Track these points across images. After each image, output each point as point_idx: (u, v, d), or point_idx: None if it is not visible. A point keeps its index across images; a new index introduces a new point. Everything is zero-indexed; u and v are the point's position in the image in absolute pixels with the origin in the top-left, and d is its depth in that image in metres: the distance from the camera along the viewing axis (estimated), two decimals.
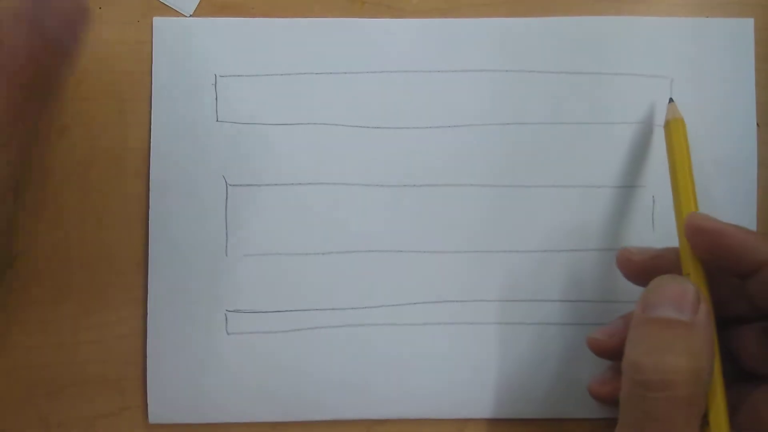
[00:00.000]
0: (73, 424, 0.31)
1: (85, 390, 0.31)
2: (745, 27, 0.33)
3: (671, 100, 0.31)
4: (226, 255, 0.31)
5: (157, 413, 0.31)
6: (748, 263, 0.25)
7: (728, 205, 0.32)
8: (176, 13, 0.32)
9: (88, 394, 0.31)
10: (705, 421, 0.25)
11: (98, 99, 0.31)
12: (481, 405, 0.31)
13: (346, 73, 0.32)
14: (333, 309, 0.31)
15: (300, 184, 0.32)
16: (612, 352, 0.29)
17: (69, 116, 0.31)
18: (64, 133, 0.31)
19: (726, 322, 0.28)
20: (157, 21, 0.32)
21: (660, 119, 0.32)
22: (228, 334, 0.31)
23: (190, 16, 0.32)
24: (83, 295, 0.31)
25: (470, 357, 0.31)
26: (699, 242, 0.26)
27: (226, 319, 0.31)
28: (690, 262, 0.27)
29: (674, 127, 0.29)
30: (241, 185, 0.31)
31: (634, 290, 0.28)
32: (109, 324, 0.31)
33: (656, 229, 0.32)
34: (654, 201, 0.32)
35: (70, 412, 0.31)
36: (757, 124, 0.32)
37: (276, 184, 0.32)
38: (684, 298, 0.24)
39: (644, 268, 0.28)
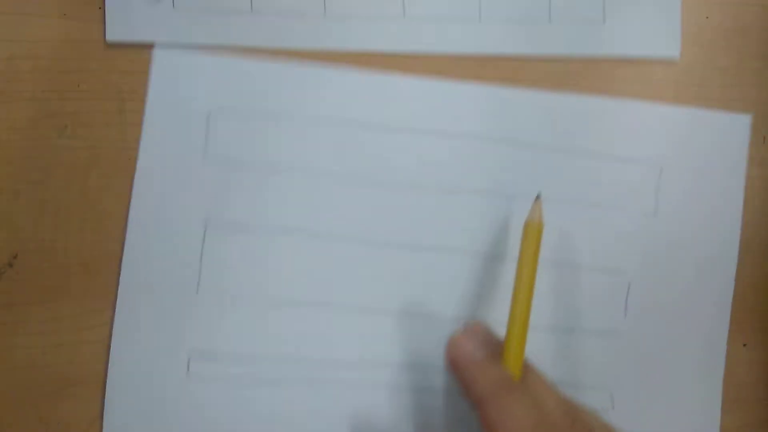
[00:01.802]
0: (73, 424, 0.31)
1: (85, 390, 0.31)
2: (741, 123, 0.32)
3: (538, 197, 0.29)
4: (197, 293, 0.31)
5: None
6: (470, 397, 0.26)
7: (705, 297, 0.32)
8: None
9: (88, 394, 0.31)
10: None
11: (98, 99, 0.31)
12: None
13: (338, 123, 0.31)
14: (298, 361, 0.31)
15: (278, 231, 0.31)
16: None
17: (69, 116, 0.31)
18: (64, 133, 0.31)
19: None
20: (158, 52, 0.31)
21: (647, 205, 0.32)
22: (189, 377, 0.30)
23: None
24: (83, 295, 0.31)
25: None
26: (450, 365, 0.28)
27: (189, 362, 0.30)
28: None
29: (530, 230, 0.28)
30: (220, 226, 0.31)
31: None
32: (108, 324, 0.31)
33: (627, 315, 0.32)
34: (629, 287, 0.32)
35: (70, 412, 0.31)
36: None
37: (255, 229, 0.31)
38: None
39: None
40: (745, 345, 0.33)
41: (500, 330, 0.28)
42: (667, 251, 0.32)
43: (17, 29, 0.31)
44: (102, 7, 0.31)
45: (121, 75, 0.31)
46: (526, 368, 0.27)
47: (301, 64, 0.31)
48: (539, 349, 0.30)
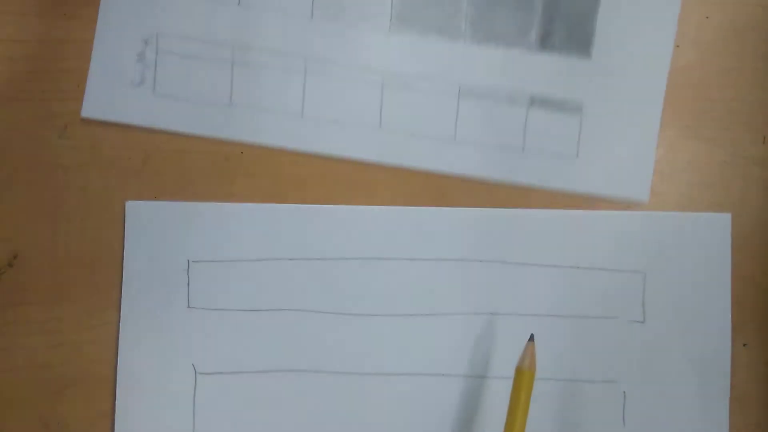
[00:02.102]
0: (73, 424, 0.31)
1: (85, 390, 0.31)
2: (722, 221, 0.32)
3: (532, 337, 0.29)
4: None
5: None
6: None
7: (703, 398, 0.31)
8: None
9: (87, 394, 0.31)
10: None
11: None
12: None
13: (319, 259, 0.31)
14: None
15: (269, 371, 0.31)
16: None
17: (69, 116, 0.31)
18: (64, 133, 0.31)
19: None
20: (130, 204, 0.31)
21: (635, 313, 0.32)
22: None
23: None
24: (83, 295, 0.31)
25: None
26: None
27: None
28: None
29: (520, 377, 0.28)
30: (210, 373, 0.31)
31: None
32: (108, 324, 0.31)
33: (627, 425, 0.31)
34: (625, 396, 0.31)
35: (70, 412, 0.31)
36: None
37: (245, 372, 0.31)
38: None
39: None
40: (745, 345, 0.33)
41: None
42: (660, 356, 0.32)
43: (17, 29, 0.31)
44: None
45: None
46: None
47: (274, 207, 0.31)
48: None
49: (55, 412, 0.31)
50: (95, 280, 0.31)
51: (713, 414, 0.32)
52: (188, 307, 0.31)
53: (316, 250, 0.31)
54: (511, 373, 0.29)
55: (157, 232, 0.31)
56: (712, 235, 0.32)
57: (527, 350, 0.29)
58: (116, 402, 0.30)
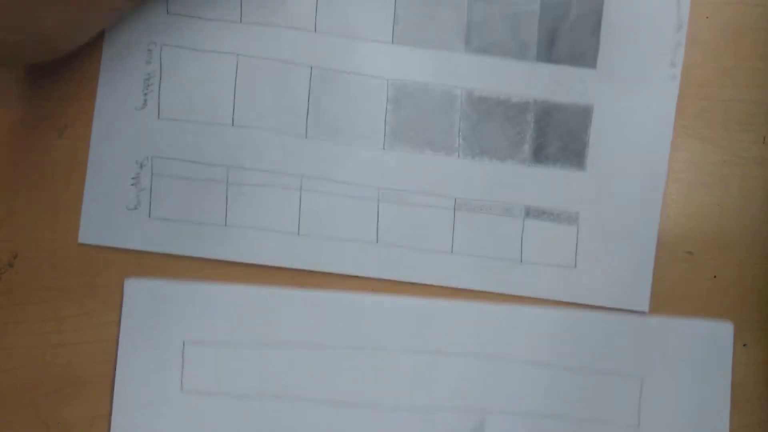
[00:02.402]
0: (72, 424, 0.31)
1: (85, 390, 0.31)
2: (724, 329, 0.32)
3: None
4: None
5: None
6: None
7: None
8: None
9: (88, 394, 0.31)
10: None
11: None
12: None
13: (316, 346, 0.31)
14: None
15: None
16: None
17: (69, 117, 0.31)
18: (64, 133, 0.31)
19: None
20: (129, 282, 0.31)
21: (630, 418, 0.31)
22: None
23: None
24: (83, 295, 0.31)
25: None
26: None
27: None
28: None
29: None
30: None
31: None
32: (108, 324, 0.31)
33: None
34: None
35: (69, 412, 0.31)
36: None
37: None
38: None
39: None
40: (745, 345, 0.33)
41: None
42: None
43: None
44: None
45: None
46: None
47: (275, 288, 0.31)
48: None
49: (55, 412, 0.31)
50: (95, 280, 0.31)
51: None
52: (181, 389, 0.31)
53: (313, 337, 0.31)
54: None
55: (155, 311, 0.31)
56: (712, 343, 0.32)
57: None
58: None
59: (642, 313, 0.32)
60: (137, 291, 0.31)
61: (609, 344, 0.32)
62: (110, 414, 0.31)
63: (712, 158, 0.33)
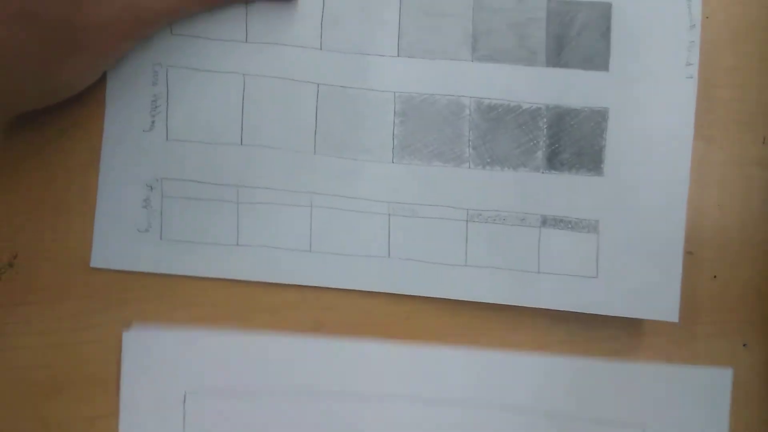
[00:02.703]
0: (72, 424, 0.31)
1: (85, 390, 0.31)
2: (723, 376, 0.32)
3: None
4: None
5: None
6: None
7: None
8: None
9: (87, 394, 0.31)
10: None
11: (97, 102, 0.31)
12: None
13: (321, 394, 0.31)
14: None
15: None
16: None
17: (68, 118, 0.31)
18: (64, 134, 0.31)
19: None
20: (127, 335, 0.31)
21: None
22: None
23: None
24: (83, 295, 0.31)
25: None
26: None
27: None
28: None
29: None
30: None
31: None
32: (108, 324, 0.31)
33: None
34: None
35: (69, 412, 0.31)
36: None
37: None
38: None
39: None
40: (745, 345, 0.33)
41: None
42: None
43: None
44: None
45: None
46: None
47: (274, 335, 0.31)
48: None
49: (55, 412, 0.31)
50: (95, 280, 0.31)
51: None
52: None
53: (317, 385, 0.31)
54: None
55: (155, 362, 0.31)
56: (712, 390, 0.32)
57: None
58: None
59: (672, 323, 0.31)
60: (135, 343, 0.31)
61: (611, 392, 0.31)
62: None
63: (712, 158, 0.33)
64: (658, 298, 0.31)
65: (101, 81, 0.31)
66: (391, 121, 0.31)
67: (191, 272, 0.31)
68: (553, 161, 0.31)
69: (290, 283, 0.31)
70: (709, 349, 0.32)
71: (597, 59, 0.31)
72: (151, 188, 0.31)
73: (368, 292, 0.31)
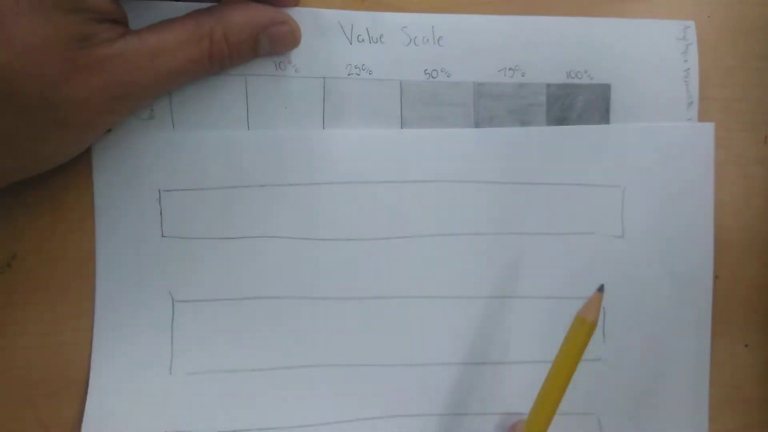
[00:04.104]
0: (72, 424, 0.31)
1: (85, 390, 0.31)
2: (705, 131, 0.32)
3: (602, 287, 0.27)
4: (171, 373, 0.31)
5: None
6: None
7: (684, 313, 0.32)
8: None
9: (87, 394, 0.31)
10: None
11: None
12: None
13: (299, 184, 0.31)
14: (281, 428, 0.31)
15: (248, 298, 0.31)
16: None
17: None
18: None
19: None
20: (96, 146, 0.30)
21: (614, 227, 0.32)
22: None
23: None
24: (83, 295, 0.31)
25: None
26: None
27: None
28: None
29: (580, 327, 0.27)
30: (187, 301, 0.31)
31: None
32: None
33: (607, 340, 0.32)
34: (604, 313, 0.32)
35: (69, 413, 0.31)
36: None
37: (224, 299, 0.31)
38: None
39: None
40: (746, 346, 0.33)
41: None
42: (639, 272, 0.32)
43: None
44: None
45: None
46: None
47: (258, 132, 0.31)
48: (523, 384, 0.31)
49: (55, 412, 0.31)
50: (94, 280, 0.31)
51: (695, 330, 0.32)
52: (162, 236, 0.31)
53: (297, 176, 0.31)
54: (488, 292, 0.30)
55: (126, 163, 0.30)
56: (694, 146, 0.32)
57: (593, 301, 0.27)
58: (94, 332, 0.30)
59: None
60: (104, 144, 0.30)
61: (589, 156, 0.32)
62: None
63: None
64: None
65: None
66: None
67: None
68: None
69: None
70: (710, 349, 0.32)
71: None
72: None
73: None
